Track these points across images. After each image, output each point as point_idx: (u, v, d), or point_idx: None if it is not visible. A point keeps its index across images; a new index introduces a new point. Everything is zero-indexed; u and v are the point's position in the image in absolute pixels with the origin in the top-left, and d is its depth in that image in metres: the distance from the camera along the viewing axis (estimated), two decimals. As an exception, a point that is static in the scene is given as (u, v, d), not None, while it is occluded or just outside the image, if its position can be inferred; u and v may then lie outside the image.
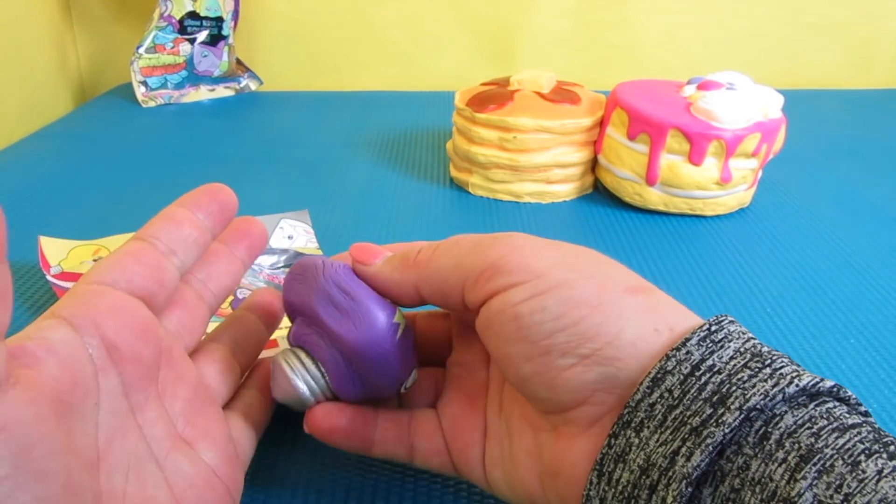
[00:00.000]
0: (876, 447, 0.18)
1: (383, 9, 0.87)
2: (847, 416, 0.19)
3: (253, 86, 0.85)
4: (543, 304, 0.22)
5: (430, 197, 0.57)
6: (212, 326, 0.36)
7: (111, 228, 0.49)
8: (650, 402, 0.20)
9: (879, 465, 0.17)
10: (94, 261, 0.43)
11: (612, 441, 0.21)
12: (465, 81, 0.89)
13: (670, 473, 0.19)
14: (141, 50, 0.77)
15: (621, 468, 0.20)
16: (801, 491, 0.17)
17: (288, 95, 0.84)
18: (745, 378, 0.20)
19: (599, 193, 0.58)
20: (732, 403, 0.19)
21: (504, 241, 0.24)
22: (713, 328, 0.21)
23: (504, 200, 0.56)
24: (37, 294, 0.42)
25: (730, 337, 0.21)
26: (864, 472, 0.17)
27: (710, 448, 0.19)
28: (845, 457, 0.18)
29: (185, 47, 0.79)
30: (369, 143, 0.69)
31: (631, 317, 0.22)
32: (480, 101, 0.55)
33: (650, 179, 0.52)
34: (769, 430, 0.19)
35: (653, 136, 0.51)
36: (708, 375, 0.20)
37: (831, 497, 0.17)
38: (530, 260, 0.23)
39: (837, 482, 0.17)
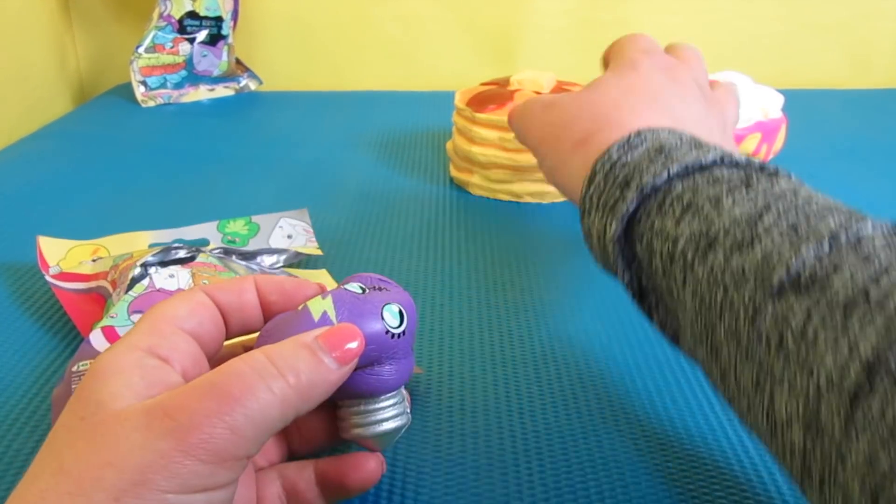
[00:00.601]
0: (739, 185, 0.25)
1: (383, 8, 0.87)
2: (725, 173, 0.26)
3: (252, 85, 0.85)
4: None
5: (429, 197, 0.57)
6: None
7: (110, 228, 0.49)
8: (590, 193, 0.29)
9: (735, 197, 0.24)
10: (93, 261, 0.43)
11: (581, 224, 0.30)
12: (465, 81, 0.88)
13: (606, 239, 0.28)
14: (140, 49, 0.77)
15: (591, 239, 0.30)
16: (682, 230, 0.25)
17: (287, 95, 0.84)
18: (644, 166, 0.27)
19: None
20: (633, 184, 0.27)
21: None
22: (632, 137, 0.29)
23: (504, 200, 0.56)
24: (36, 294, 0.42)
25: (645, 140, 0.29)
26: (723, 206, 0.24)
27: (620, 218, 0.27)
28: (712, 200, 0.25)
29: (184, 47, 0.79)
30: (369, 143, 0.69)
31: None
32: (480, 101, 0.55)
33: None
34: (666, 196, 0.26)
35: None
36: (620, 168, 0.28)
37: (700, 228, 0.24)
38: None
39: (703, 217, 0.24)
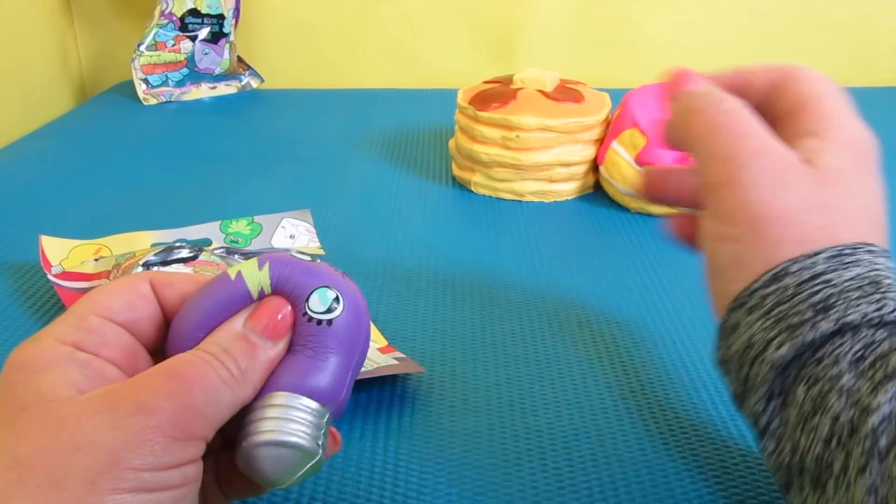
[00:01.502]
0: None
1: (385, 6, 0.87)
2: None
3: (254, 83, 0.85)
4: (718, 250, 0.26)
5: (432, 196, 0.57)
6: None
7: (112, 227, 0.49)
8: (764, 293, 0.23)
9: None
10: (95, 260, 0.43)
11: (728, 315, 0.24)
12: (467, 79, 0.88)
13: (764, 356, 0.23)
14: (142, 47, 0.77)
15: (734, 338, 0.24)
16: (881, 402, 0.20)
17: (289, 93, 0.84)
18: (854, 297, 0.22)
19: (602, 192, 0.58)
20: (832, 314, 0.22)
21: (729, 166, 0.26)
22: (847, 251, 0.23)
23: (506, 199, 0.56)
24: (38, 293, 0.42)
25: (859, 262, 0.23)
26: None
27: (799, 344, 0.22)
28: None
29: (186, 45, 0.79)
30: (371, 142, 0.69)
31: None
32: (483, 100, 0.55)
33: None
34: (866, 353, 0.21)
35: None
36: (822, 286, 0.22)
37: None
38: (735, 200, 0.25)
39: None
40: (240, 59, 0.85)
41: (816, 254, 0.23)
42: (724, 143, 0.25)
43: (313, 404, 0.22)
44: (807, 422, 0.22)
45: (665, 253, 0.48)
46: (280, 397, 0.22)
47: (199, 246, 0.41)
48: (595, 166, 0.57)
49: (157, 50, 0.78)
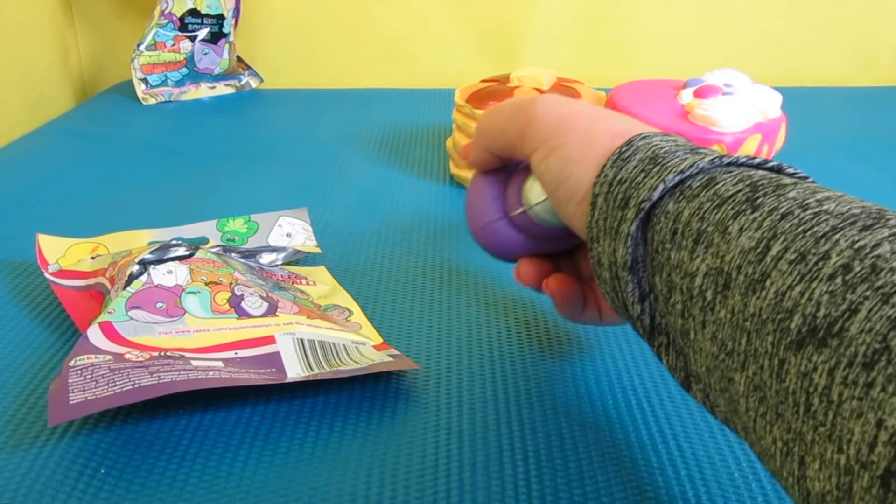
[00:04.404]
0: (744, 207, 0.22)
1: (384, 6, 0.87)
2: (730, 187, 0.23)
3: (253, 83, 0.85)
4: (548, 166, 0.29)
5: (429, 194, 0.57)
6: (199, 323, 0.36)
7: (110, 226, 0.49)
8: (595, 219, 0.27)
9: (741, 223, 0.22)
10: (92, 258, 0.43)
11: (591, 254, 0.28)
12: (466, 79, 0.88)
13: (617, 266, 0.26)
14: (141, 47, 0.77)
15: (601, 270, 0.27)
16: (698, 265, 0.22)
17: (288, 93, 0.84)
18: (640, 180, 0.25)
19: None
20: (630, 203, 0.25)
21: (527, 108, 0.30)
22: (624, 148, 0.27)
23: (504, 198, 0.56)
24: (35, 292, 0.42)
25: (637, 151, 0.26)
26: (730, 234, 0.22)
27: (625, 239, 0.25)
28: (719, 227, 0.22)
29: (185, 45, 0.79)
30: (369, 141, 0.69)
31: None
32: (480, 98, 0.55)
33: None
34: (676, 226, 0.24)
35: None
36: (618, 186, 0.26)
37: (713, 261, 0.22)
38: (542, 126, 0.29)
39: (714, 249, 0.22)
40: (239, 59, 0.85)
41: (603, 167, 0.27)
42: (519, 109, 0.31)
43: None
44: (667, 304, 0.24)
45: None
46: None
47: (196, 244, 0.41)
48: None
49: (156, 50, 0.78)
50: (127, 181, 0.59)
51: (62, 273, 0.42)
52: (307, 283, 0.43)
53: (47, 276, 0.41)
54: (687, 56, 0.89)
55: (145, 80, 0.78)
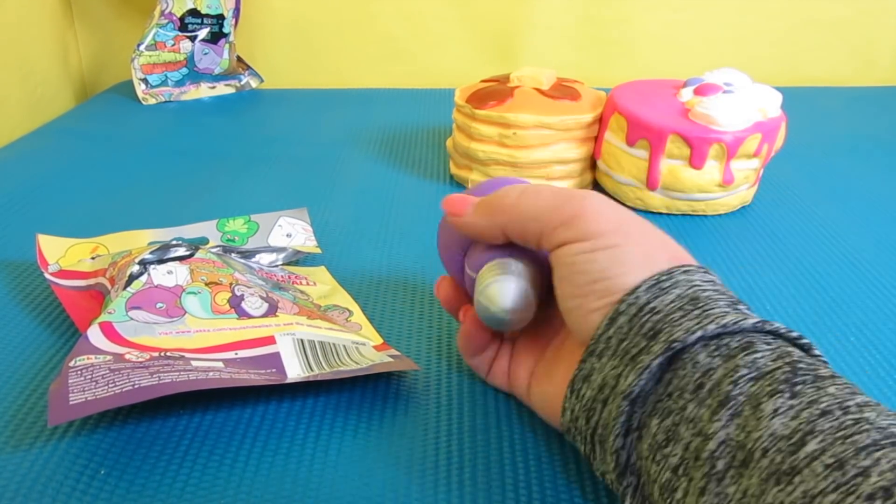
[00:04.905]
0: (782, 388, 0.21)
1: (384, 6, 0.87)
2: (769, 362, 0.22)
3: (254, 83, 0.85)
4: (596, 258, 0.27)
5: (429, 194, 0.57)
6: (199, 323, 0.36)
7: (110, 226, 0.49)
8: (608, 335, 0.26)
9: (776, 405, 0.21)
10: (92, 258, 0.43)
11: (582, 365, 0.27)
12: (466, 79, 0.88)
13: (615, 391, 0.25)
14: (142, 47, 0.77)
15: (586, 387, 0.26)
16: (717, 429, 0.22)
17: (288, 93, 0.84)
18: (676, 318, 0.24)
19: (600, 189, 0.58)
20: (661, 337, 0.24)
21: (578, 201, 0.29)
22: (663, 277, 0.26)
23: (504, 198, 0.56)
24: (35, 292, 0.42)
25: (676, 284, 0.26)
26: (762, 411, 0.21)
27: (641, 371, 0.24)
28: (752, 401, 0.22)
29: (185, 45, 0.79)
30: (369, 141, 0.69)
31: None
32: (480, 98, 0.55)
33: (651, 184, 0.52)
34: (704, 381, 0.23)
35: (652, 142, 0.51)
36: (649, 315, 0.25)
37: (736, 433, 0.21)
38: (595, 222, 0.28)
39: (742, 421, 0.21)
40: (239, 59, 0.85)
41: (636, 288, 0.26)
42: (548, 194, 0.29)
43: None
44: (658, 451, 0.23)
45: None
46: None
47: (196, 244, 0.41)
48: (592, 163, 0.57)
49: (156, 50, 0.78)
50: (127, 181, 0.59)
51: (62, 273, 0.42)
52: (307, 284, 0.43)
53: (47, 276, 0.41)
54: (687, 56, 0.89)
55: (145, 80, 0.78)
